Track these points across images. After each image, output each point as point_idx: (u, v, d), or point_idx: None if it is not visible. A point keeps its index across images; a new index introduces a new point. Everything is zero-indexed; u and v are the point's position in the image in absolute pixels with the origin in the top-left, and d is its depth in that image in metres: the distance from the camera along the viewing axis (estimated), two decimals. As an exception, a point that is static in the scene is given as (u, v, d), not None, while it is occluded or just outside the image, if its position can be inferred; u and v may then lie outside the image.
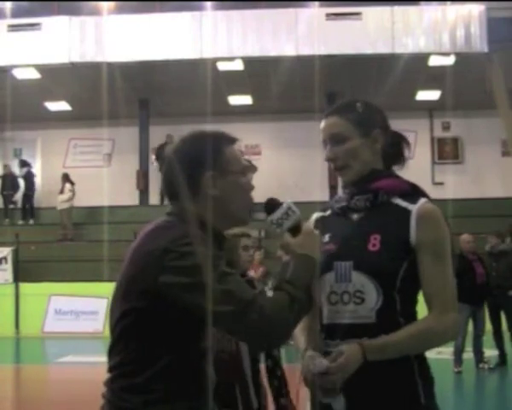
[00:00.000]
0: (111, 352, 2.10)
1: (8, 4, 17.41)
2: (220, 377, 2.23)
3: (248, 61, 16.66)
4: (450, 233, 2.20)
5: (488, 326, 10.02)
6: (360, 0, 16.23)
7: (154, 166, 18.85)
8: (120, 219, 17.78)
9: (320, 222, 2.38)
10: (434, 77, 16.78)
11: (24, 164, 19.80)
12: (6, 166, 19.87)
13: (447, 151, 20.29)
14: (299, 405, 2.61)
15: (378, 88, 16.60)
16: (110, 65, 16.46)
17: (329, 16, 16.31)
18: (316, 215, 2.43)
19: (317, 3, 16.62)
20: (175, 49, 16.46)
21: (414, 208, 2.19)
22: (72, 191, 18.58)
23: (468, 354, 9.81)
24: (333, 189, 17.37)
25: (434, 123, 20.32)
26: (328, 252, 2.24)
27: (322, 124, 2.32)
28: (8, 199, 19.61)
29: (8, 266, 16.84)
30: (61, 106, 19.38)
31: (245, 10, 16.59)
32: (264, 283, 8.72)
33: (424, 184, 2.41)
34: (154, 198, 18.97)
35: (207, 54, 16.32)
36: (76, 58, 16.70)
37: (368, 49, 16.18)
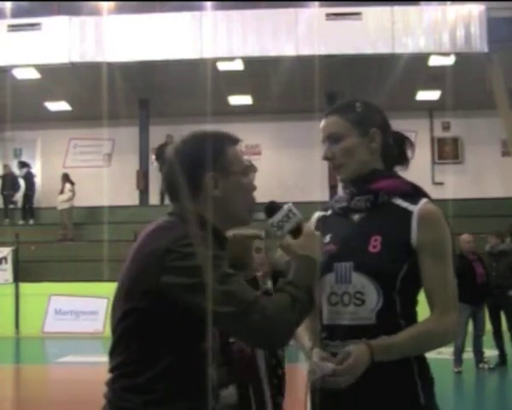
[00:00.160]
0: (112, 352, 2.10)
1: (8, 4, 17.42)
2: (235, 376, 2.22)
3: (248, 61, 16.67)
4: (450, 233, 2.20)
5: (488, 326, 10.02)
6: (360, 0, 16.23)
7: (154, 166, 18.87)
8: (120, 219, 17.78)
9: (321, 222, 2.38)
10: (434, 77, 16.79)
11: (23, 165, 19.79)
12: (6, 167, 19.87)
13: (447, 151, 20.30)
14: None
15: (378, 88, 16.60)
16: (110, 65, 16.46)
17: (329, 16, 16.31)
18: (317, 214, 2.43)
19: (317, 3, 16.63)
20: (175, 49, 16.47)
21: (415, 209, 2.19)
22: (73, 191, 18.58)
23: (468, 354, 9.81)
24: (333, 189, 17.35)
25: (434, 123, 20.32)
26: (329, 253, 2.24)
27: (322, 123, 2.33)
28: (9, 199, 19.61)
29: (9, 266, 16.84)
30: (61, 106, 19.39)
31: (245, 10, 16.60)
32: (264, 282, 8.71)
33: (424, 184, 2.41)
34: (154, 198, 18.97)
35: (207, 54, 16.32)
36: (76, 58, 16.71)
37: (368, 49, 16.19)
